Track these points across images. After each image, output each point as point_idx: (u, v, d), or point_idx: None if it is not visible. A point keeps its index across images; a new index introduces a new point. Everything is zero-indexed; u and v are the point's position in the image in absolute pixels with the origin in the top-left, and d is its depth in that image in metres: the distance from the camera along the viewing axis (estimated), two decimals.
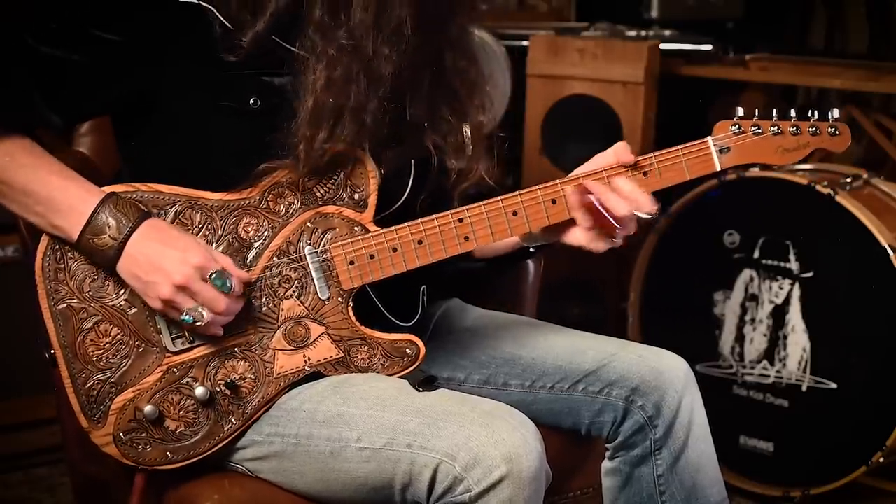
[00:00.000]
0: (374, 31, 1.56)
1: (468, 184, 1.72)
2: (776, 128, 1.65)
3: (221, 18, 1.57)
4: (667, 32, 3.48)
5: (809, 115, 1.66)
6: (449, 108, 1.71)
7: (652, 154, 1.65)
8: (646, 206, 1.62)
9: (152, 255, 1.54)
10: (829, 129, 1.65)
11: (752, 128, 1.65)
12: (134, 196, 1.58)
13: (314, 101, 1.56)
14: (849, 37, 4.44)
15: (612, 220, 1.62)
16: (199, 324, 1.54)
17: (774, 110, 1.66)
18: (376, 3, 1.56)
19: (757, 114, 1.65)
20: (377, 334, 1.65)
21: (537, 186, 1.65)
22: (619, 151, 1.66)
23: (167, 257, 1.53)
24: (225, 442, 1.61)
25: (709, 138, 1.65)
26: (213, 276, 1.54)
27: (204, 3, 1.57)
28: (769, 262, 2.82)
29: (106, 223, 1.53)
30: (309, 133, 1.57)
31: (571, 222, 1.67)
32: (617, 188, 1.63)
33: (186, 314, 1.53)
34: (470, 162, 1.72)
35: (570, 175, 1.67)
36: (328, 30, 1.56)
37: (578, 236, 1.68)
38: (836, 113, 1.66)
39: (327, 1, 1.56)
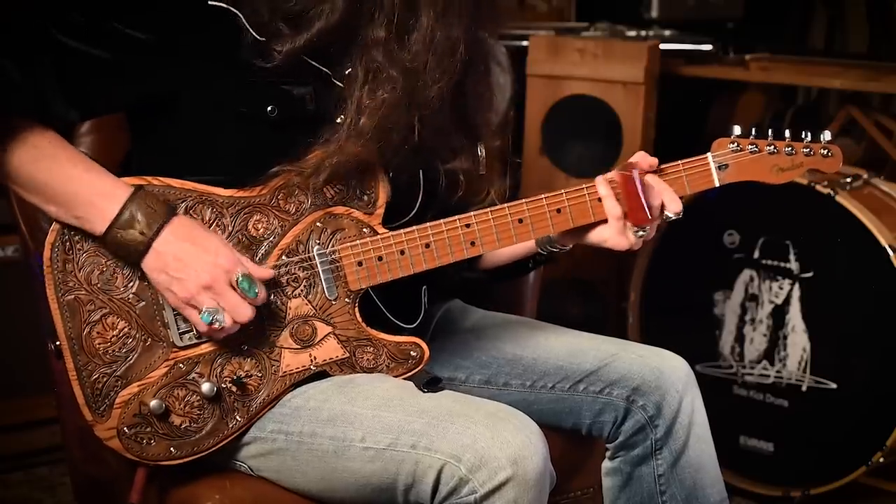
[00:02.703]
0: (430, 52, 1.57)
1: (479, 207, 1.72)
2: (772, 147, 1.69)
3: (247, 25, 1.57)
4: (667, 32, 3.49)
5: (803, 135, 1.70)
6: (462, 127, 1.72)
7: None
8: (672, 206, 1.65)
9: (182, 254, 1.53)
10: (822, 151, 1.70)
11: (750, 146, 1.69)
12: (150, 190, 1.57)
13: (361, 120, 1.57)
14: (849, 37, 4.44)
15: (645, 206, 1.64)
16: (216, 326, 1.53)
17: (770, 130, 1.70)
18: (442, 24, 1.56)
19: (753, 132, 1.69)
20: (383, 336, 1.65)
21: (543, 196, 1.66)
22: (640, 158, 1.68)
23: (197, 257, 1.53)
24: (229, 439, 1.61)
25: (708, 154, 1.69)
26: (240, 279, 1.53)
27: (232, 8, 1.57)
28: (769, 262, 2.82)
29: (135, 218, 1.53)
30: (344, 146, 1.57)
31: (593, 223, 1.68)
32: (649, 181, 1.66)
33: (206, 314, 1.53)
34: (482, 182, 1.74)
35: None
36: (394, 51, 1.57)
37: (602, 232, 1.68)
38: (828, 135, 1.70)
39: (396, 23, 1.56)
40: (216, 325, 1.53)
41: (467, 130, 1.73)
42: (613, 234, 1.67)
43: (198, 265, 1.53)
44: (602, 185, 1.66)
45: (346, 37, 1.59)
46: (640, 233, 1.66)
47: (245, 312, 1.54)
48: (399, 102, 1.57)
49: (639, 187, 1.63)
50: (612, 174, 1.67)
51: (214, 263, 1.53)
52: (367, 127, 1.57)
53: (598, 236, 1.69)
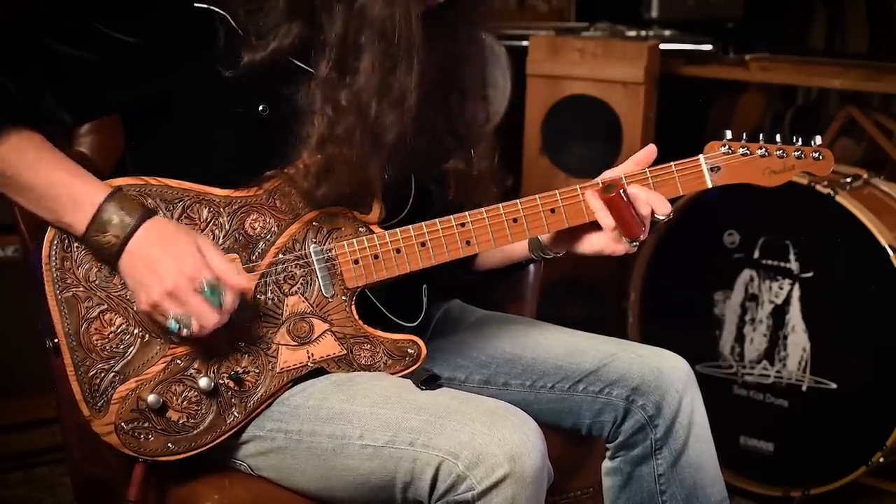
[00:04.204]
0: (377, 96, 1.55)
1: (476, 201, 1.72)
2: (764, 150, 1.70)
3: (234, 25, 1.57)
4: (667, 32, 3.48)
5: (794, 139, 1.72)
6: (454, 130, 1.72)
7: (647, 169, 1.68)
8: (662, 208, 1.65)
9: (149, 258, 1.53)
10: (814, 155, 1.72)
11: (741, 149, 1.70)
12: (142, 190, 1.58)
13: (309, 154, 1.57)
14: (849, 37, 4.44)
15: (637, 218, 1.64)
16: (184, 332, 1.53)
17: (761, 134, 1.71)
18: (382, 69, 1.55)
19: (745, 136, 1.70)
20: (380, 333, 1.65)
21: (537, 196, 1.67)
22: (640, 159, 1.68)
23: (162, 262, 1.52)
24: (226, 435, 1.61)
25: (701, 157, 1.70)
26: (204, 287, 1.52)
27: (217, 9, 1.57)
28: (769, 262, 2.82)
29: (109, 221, 1.53)
30: (307, 186, 1.58)
31: (584, 231, 1.69)
32: (636, 192, 1.65)
33: (172, 320, 1.52)
34: (476, 179, 1.74)
35: (588, 183, 1.69)
36: (329, 88, 1.56)
37: (597, 241, 1.69)
38: (818, 140, 1.72)
39: (334, 59, 1.56)
40: (184, 332, 1.52)
41: (458, 131, 1.73)
42: (609, 243, 1.68)
43: (164, 271, 1.52)
44: (592, 198, 1.65)
45: (302, 59, 1.59)
46: (635, 242, 1.67)
47: (210, 319, 1.52)
48: (347, 141, 1.56)
49: (629, 205, 1.64)
50: (597, 193, 1.65)
51: (179, 271, 1.52)
52: (319, 160, 1.56)
53: (592, 245, 1.70)
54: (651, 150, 1.69)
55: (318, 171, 1.57)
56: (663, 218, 1.65)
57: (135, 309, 1.58)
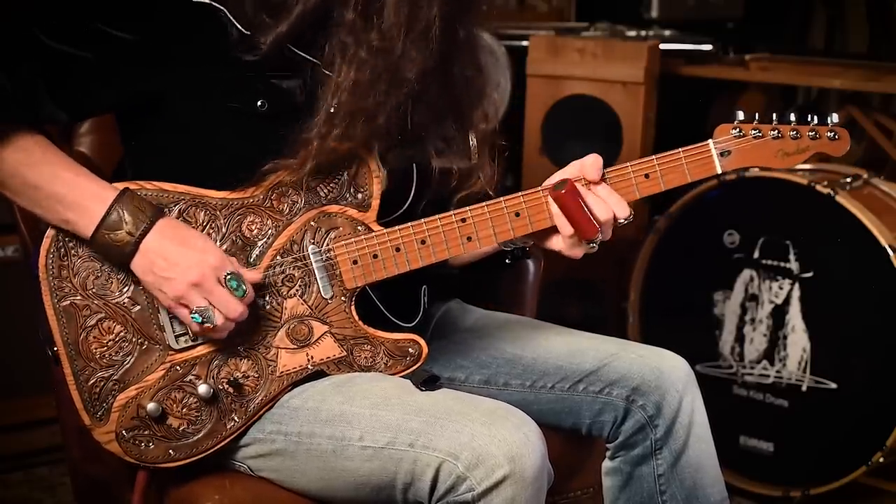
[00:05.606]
0: (403, 32, 1.56)
1: (466, 192, 1.72)
2: (776, 132, 1.65)
3: (233, 20, 1.57)
4: (667, 32, 3.49)
5: (809, 119, 1.66)
6: (453, 116, 1.72)
7: (654, 157, 1.65)
8: (621, 212, 1.61)
9: (168, 253, 1.54)
10: (829, 134, 1.65)
11: (753, 131, 1.65)
12: (138, 193, 1.57)
13: (338, 102, 1.56)
14: (849, 37, 4.45)
15: (594, 222, 1.61)
16: (207, 325, 1.53)
17: (774, 114, 1.67)
18: (409, 4, 1.56)
19: (757, 117, 1.66)
20: (380, 333, 1.65)
21: (540, 188, 1.65)
22: (587, 166, 1.63)
23: (184, 256, 1.53)
24: (227, 440, 1.61)
25: (710, 141, 1.66)
26: (228, 277, 1.54)
27: (216, 4, 1.57)
28: (769, 262, 2.82)
29: (122, 219, 1.53)
30: (324, 131, 1.57)
31: (548, 230, 1.66)
32: (594, 190, 1.62)
33: (196, 313, 1.53)
34: (472, 170, 1.73)
35: (545, 183, 1.65)
36: (361, 32, 1.56)
37: (556, 242, 1.67)
38: (835, 118, 1.66)
39: (361, 3, 1.56)
40: (207, 324, 1.53)
41: (458, 119, 1.73)
42: (566, 248, 1.65)
43: (186, 263, 1.53)
44: (551, 203, 1.63)
45: (325, 19, 1.58)
46: (592, 244, 1.64)
47: (236, 308, 1.54)
48: (373, 83, 1.56)
49: (582, 204, 1.60)
50: (548, 192, 1.63)
51: (202, 261, 1.53)
52: (342, 107, 1.57)
53: (552, 245, 1.67)
54: (597, 160, 1.63)
55: (331, 118, 1.56)
56: (623, 221, 1.62)
57: (133, 316, 1.58)
